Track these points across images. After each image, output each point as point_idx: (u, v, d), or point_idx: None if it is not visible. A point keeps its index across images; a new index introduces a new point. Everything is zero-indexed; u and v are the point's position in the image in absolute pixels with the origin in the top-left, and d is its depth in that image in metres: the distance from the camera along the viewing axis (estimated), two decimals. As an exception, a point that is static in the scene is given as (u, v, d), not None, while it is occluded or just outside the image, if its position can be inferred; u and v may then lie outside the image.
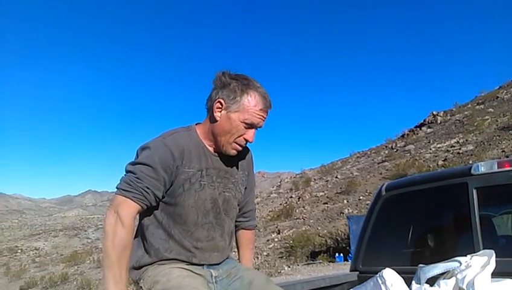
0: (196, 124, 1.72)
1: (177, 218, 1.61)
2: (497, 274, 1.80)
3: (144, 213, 1.59)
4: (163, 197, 1.57)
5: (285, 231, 19.72)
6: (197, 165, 1.61)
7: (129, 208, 1.47)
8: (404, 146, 27.82)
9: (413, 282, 1.93)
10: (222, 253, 1.72)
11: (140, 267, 1.61)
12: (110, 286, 1.38)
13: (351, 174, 27.27)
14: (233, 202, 1.74)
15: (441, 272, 1.87)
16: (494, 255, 1.82)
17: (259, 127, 1.63)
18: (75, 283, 23.84)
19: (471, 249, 2.05)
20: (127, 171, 1.54)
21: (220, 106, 1.60)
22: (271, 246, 19.18)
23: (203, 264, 1.66)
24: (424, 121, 31.11)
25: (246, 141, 1.63)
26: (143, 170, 1.50)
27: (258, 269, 14.89)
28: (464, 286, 1.68)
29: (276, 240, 19.85)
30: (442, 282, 1.79)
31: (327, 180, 29.01)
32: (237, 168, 1.76)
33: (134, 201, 1.47)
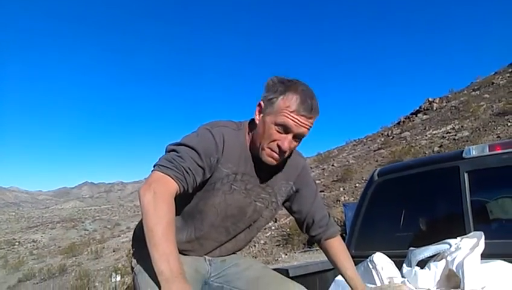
0: (249, 123, 1.59)
1: (196, 214, 1.54)
2: (488, 256, 1.81)
3: None
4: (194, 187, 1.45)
5: (282, 219, 19.74)
6: (234, 168, 1.51)
7: (167, 186, 1.33)
8: (400, 133, 27.82)
9: (404, 265, 1.94)
10: (222, 252, 1.68)
11: (139, 239, 1.50)
12: (161, 265, 1.21)
13: (347, 162, 27.31)
14: (263, 212, 1.64)
15: (431, 254, 1.88)
16: (483, 236, 1.83)
17: (299, 134, 1.46)
18: (73, 274, 23.91)
19: (462, 232, 2.05)
20: (169, 151, 1.43)
21: (260, 109, 1.50)
22: (268, 234, 19.24)
23: None
24: (420, 107, 31.07)
25: (280, 147, 1.45)
26: (187, 152, 1.40)
27: (256, 257, 15.00)
28: (454, 268, 1.68)
29: (273, 228, 19.89)
30: (432, 264, 1.79)
31: (323, 169, 29.04)
32: (279, 178, 1.63)
33: (174, 179, 1.34)
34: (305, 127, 1.45)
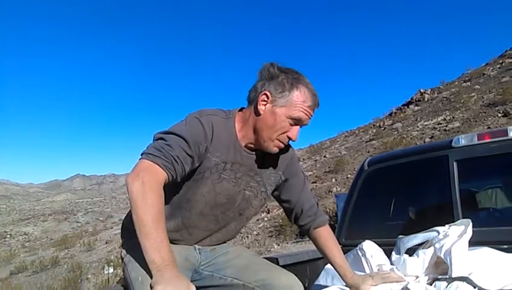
0: (238, 111, 1.60)
1: (184, 202, 1.53)
2: (477, 243, 1.83)
3: None
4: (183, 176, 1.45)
5: (275, 210, 19.81)
6: (223, 156, 1.51)
7: (156, 175, 1.31)
8: (392, 124, 27.93)
9: (393, 253, 1.96)
10: (212, 241, 1.69)
11: (129, 229, 1.48)
12: (151, 254, 1.21)
13: (339, 153, 27.41)
14: (252, 201, 1.65)
15: (419, 242, 1.90)
16: (471, 224, 1.84)
17: (305, 124, 1.54)
18: (65, 266, 23.80)
19: (451, 220, 2.07)
20: (157, 139, 1.42)
21: (266, 99, 1.49)
22: (261, 225, 19.31)
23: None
24: (412, 99, 31.17)
25: (289, 138, 1.52)
26: (175, 140, 1.39)
27: (248, 248, 15.07)
28: (442, 255, 1.70)
29: (265, 219, 19.96)
30: (420, 252, 1.81)
31: (316, 160, 29.13)
32: (268, 167, 1.65)
33: (162, 168, 1.33)
34: (310, 118, 1.53)
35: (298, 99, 1.47)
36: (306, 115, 1.50)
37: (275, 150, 1.54)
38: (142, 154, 1.38)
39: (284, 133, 1.50)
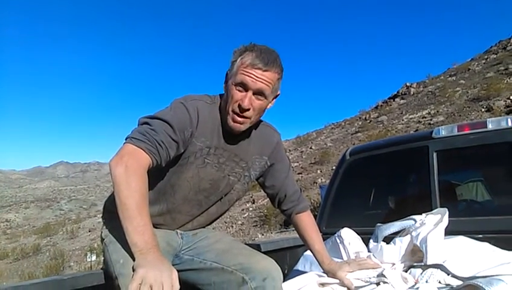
0: (221, 95, 1.59)
1: (168, 188, 1.53)
2: (455, 233, 1.87)
3: None
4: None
5: (260, 201, 19.88)
6: (207, 142, 1.51)
7: (140, 159, 1.30)
8: (378, 117, 28.12)
9: (371, 240, 1.98)
10: (194, 225, 1.69)
11: (111, 211, 1.48)
12: (134, 238, 1.20)
13: (325, 145, 27.55)
14: (236, 187, 1.66)
15: (397, 230, 1.93)
16: (447, 212, 1.88)
17: (258, 89, 1.43)
18: (47, 253, 23.65)
19: (429, 209, 2.10)
20: (142, 123, 1.40)
21: (225, 78, 1.51)
22: (245, 215, 19.38)
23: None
24: (398, 92, 31.38)
25: (240, 106, 1.44)
26: (160, 125, 1.38)
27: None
28: (418, 243, 1.73)
29: (250, 209, 20.03)
30: (397, 239, 1.84)
31: (302, 151, 29.22)
32: (253, 152, 1.64)
33: (146, 153, 1.31)
34: (262, 82, 1.43)
35: (242, 64, 1.43)
36: (248, 76, 1.42)
37: (235, 125, 1.49)
38: (126, 139, 1.36)
39: (235, 102, 1.45)
